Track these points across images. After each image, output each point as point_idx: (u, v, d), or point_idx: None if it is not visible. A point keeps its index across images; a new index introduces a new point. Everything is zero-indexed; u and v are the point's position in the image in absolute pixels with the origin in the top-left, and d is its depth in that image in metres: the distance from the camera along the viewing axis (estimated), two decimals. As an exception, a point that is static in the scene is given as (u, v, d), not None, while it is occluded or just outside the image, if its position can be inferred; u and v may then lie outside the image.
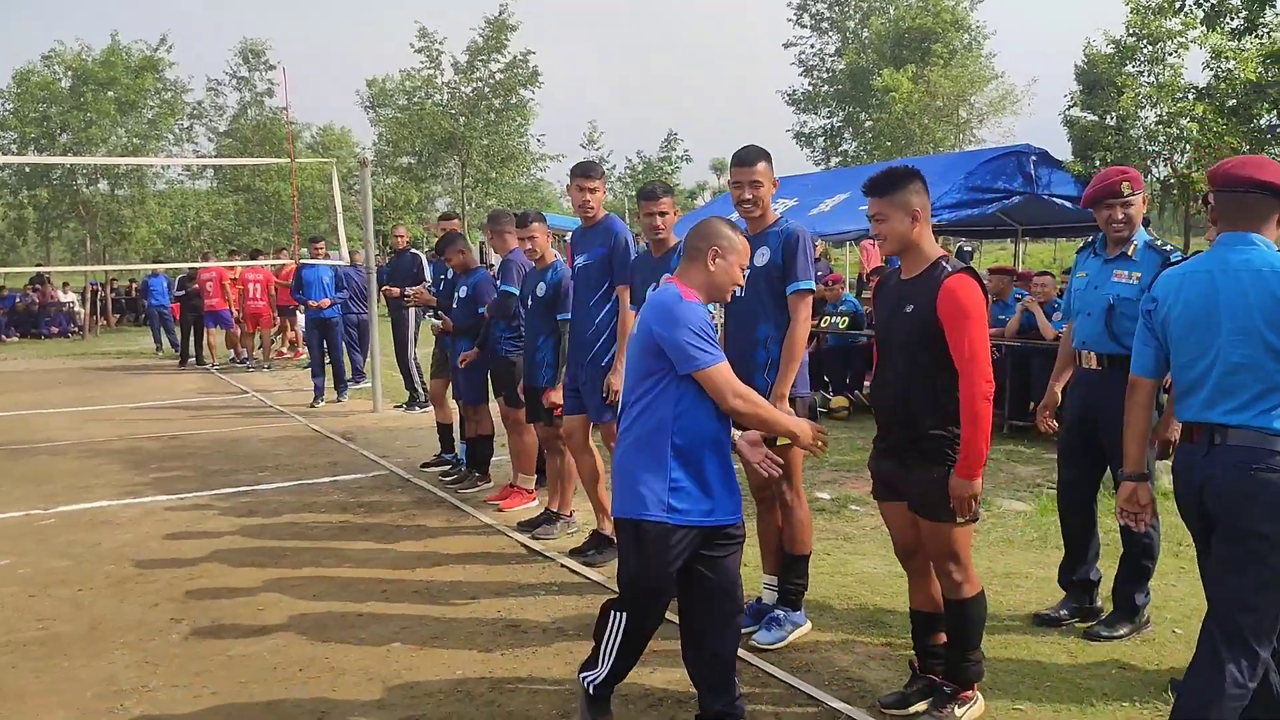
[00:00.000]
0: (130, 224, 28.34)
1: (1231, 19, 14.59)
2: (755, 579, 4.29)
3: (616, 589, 4.73)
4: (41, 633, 4.44)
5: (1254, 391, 2.75)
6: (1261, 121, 14.94)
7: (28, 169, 26.73)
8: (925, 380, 3.17)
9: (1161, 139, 17.57)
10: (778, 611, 4.16)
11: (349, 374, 12.27)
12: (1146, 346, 3.07)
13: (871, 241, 14.14)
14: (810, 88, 39.79)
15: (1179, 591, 4.61)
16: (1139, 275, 4.03)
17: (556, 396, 5.58)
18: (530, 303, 5.78)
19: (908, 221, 3.20)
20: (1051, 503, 5.26)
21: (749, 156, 4.07)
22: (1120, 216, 4.08)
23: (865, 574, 4.95)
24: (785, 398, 3.91)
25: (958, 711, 3.31)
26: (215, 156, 32.75)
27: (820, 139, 39.24)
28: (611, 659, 3.18)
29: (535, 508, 6.25)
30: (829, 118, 39.24)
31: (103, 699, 3.75)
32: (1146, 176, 16.56)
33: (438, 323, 7.39)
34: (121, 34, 27.39)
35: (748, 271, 3.75)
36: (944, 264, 3.20)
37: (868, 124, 35.51)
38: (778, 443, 3.58)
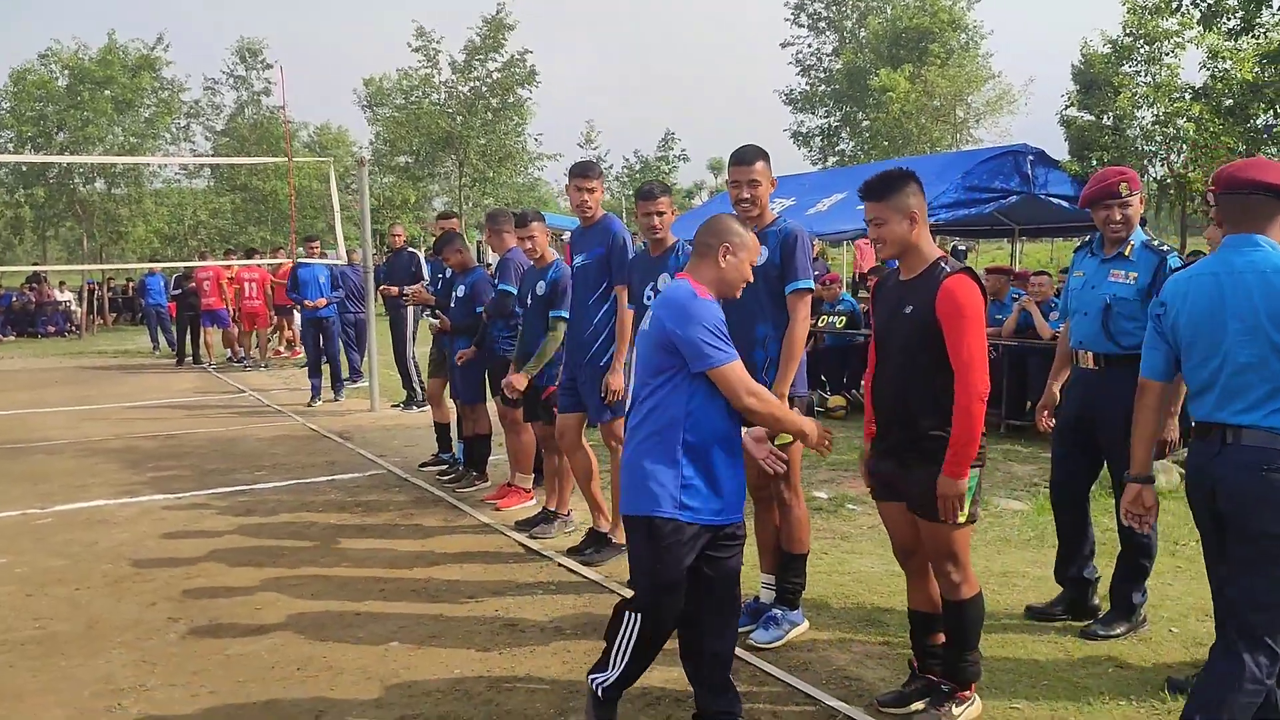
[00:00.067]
0: (127, 223, 28.28)
1: (1228, 19, 14.60)
2: (753, 578, 4.29)
3: (613, 588, 4.76)
4: (39, 632, 4.44)
5: (1262, 391, 2.78)
6: (1258, 121, 14.92)
7: (24, 168, 26.70)
8: (924, 380, 3.17)
9: (1158, 139, 17.57)
10: (775, 610, 4.16)
11: (346, 373, 12.26)
12: (1155, 350, 3.09)
13: (866, 241, 14.18)
14: (807, 87, 39.76)
15: (1175, 590, 4.62)
16: (1136, 275, 4.04)
17: (519, 382, 5.63)
18: (530, 302, 5.79)
19: (906, 224, 3.21)
20: (1048, 502, 5.27)
21: (747, 156, 4.07)
22: (1118, 217, 4.08)
23: (862, 573, 4.95)
24: (785, 397, 3.91)
25: (955, 710, 3.32)
26: (212, 156, 32.72)
27: (817, 139, 39.21)
28: (624, 661, 3.13)
29: (533, 507, 6.26)
30: (826, 117, 39.21)
31: (100, 698, 3.74)
32: (1143, 176, 16.57)
33: (436, 322, 7.39)
34: (118, 33, 27.41)
35: None
36: (943, 265, 3.20)
37: (865, 124, 35.52)
38: (777, 440, 3.59)
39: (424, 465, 7.73)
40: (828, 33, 39.79)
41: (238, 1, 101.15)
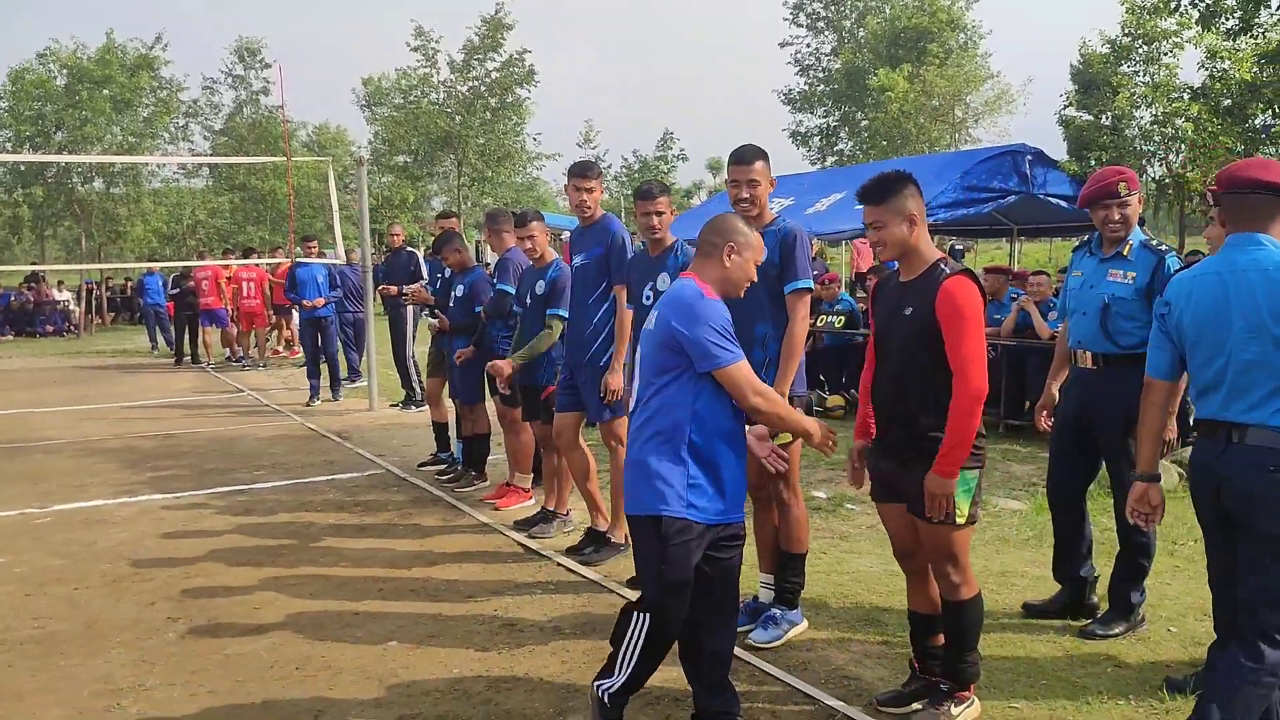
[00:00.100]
0: (125, 222, 28.29)
1: (1226, 19, 14.62)
2: (752, 577, 4.29)
3: (612, 587, 4.76)
4: (37, 631, 4.43)
5: (1268, 389, 2.79)
6: (1256, 121, 14.94)
7: (23, 167, 26.70)
8: (924, 381, 3.18)
9: (1157, 139, 17.59)
10: (774, 610, 4.16)
11: (344, 373, 12.26)
12: (1161, 349, 3.11)
13: (864, 240, 14.18)
14: (806, 87, 39.81)
15: (1174, 590, 4.62)
16: (1134, 275, 4.04)
17: (506, 367, 5.67)
18: (529, 301, 5.79)
19: (905, 227, 3.21)
20: (1047, 501, 5.27)
21: (746, 155, 4.07)
22: (1117, 217, 4.09)
23: (861, 572, 4.96)
24: (785, 396, 3.91)
25: (954, 710, 3.32)
26: (210, 155, 32.70)
27: (816, 138, 39.25)
28: (631, 665, 3.10)
29: (532, 506, 6.26)
30: (825, 117, 39.25)
31: (99, 697, 3.74)
32: (1142, 176, 16.58)
33: (435, 321, 7.39)
34: (117, 32, 27.40)
35: None
36: (942, 266, 3.21)
37: (864, 123, 35.57)
38: (777, 439, 3.59)
39: (423, 465, 7.73)
40: (826, 32, 39.84)
41: (236, 1, 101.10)
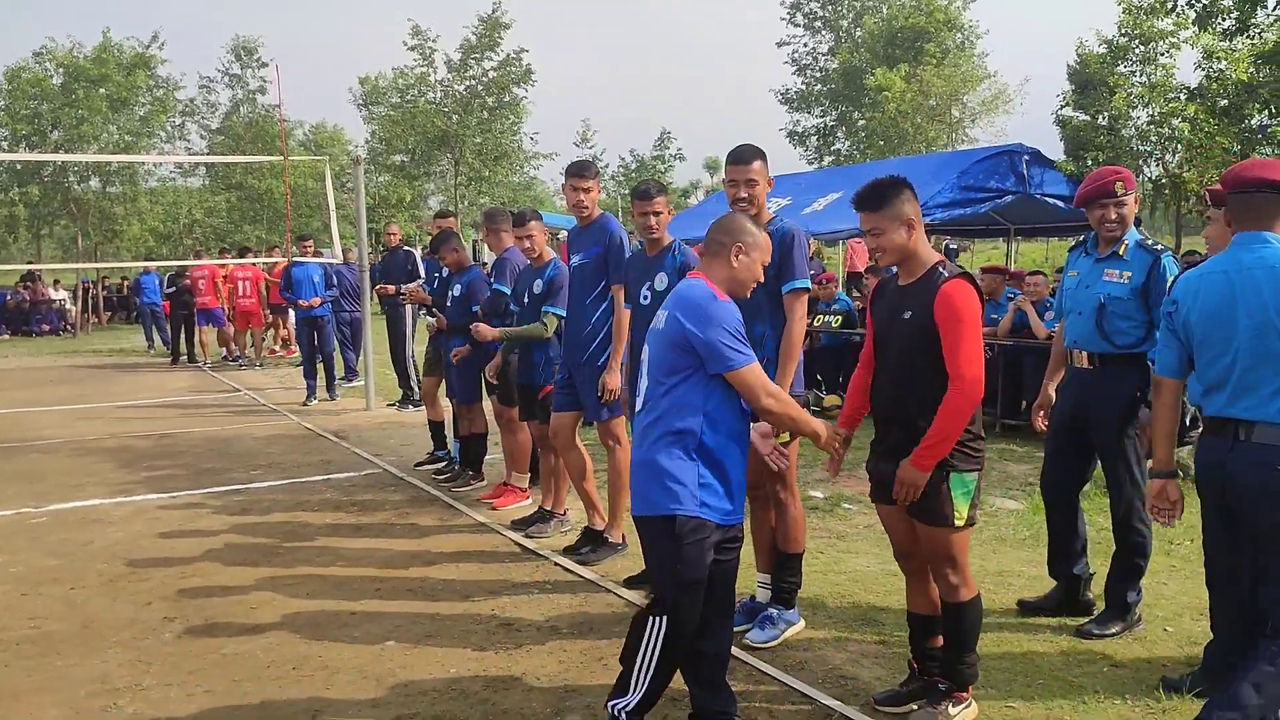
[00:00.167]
0: (122, 221, 28.25)
1: (1223, 19, 14.63)
2: (749, 577, 4.30)
3: (609, 587, 4.76)
4: (34, 631, 4.43)
5: (1274, 386, 2.81)
6: (1253, 122, 14.98)
7: (19, 166, 26.64)
8: (923, 383, 3.18)
9: (1153, 139, 17.64)
10: (771, 610, 4.16)
11: (341, 372, 12.25)
12: (1168, 348, 3.13)
13: (858, 240, 14.19)
14: (803, 87, 39.81)
15: (1170, 590, 4.63)
16: (1130, 274, 4.05)
17: (489, 332, 5.74)
18: (526, 300, 5.78)
19: (904, 232, 3.21)
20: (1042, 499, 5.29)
21: (744, 155, 4.07)
22: (1113, 216, 4.10)
23: (858, 572, 4.96)
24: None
25: (951, 710, 3.32)
26: (207, 154, 32.65)
27: (813, 138, 39.25)
28: (649, 676, 3.04)
29: (529, 506, 6.25)
30: (822, 117, 39.25)
31: (96, 697, 3.74)
32: (1138, 176, 16.61)
33: (432, 321, 7.39)
34: (113, 31, 27.35)
35: None
36: (941, 269, 3.21)
37: (861, 123, 35.56)
38: (778, 438, 3.59)
39: (419, 464, 7.72)
40: (824, 32, 39.85)
41: (233, 0, 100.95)
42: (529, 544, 5.56)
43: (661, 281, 4.52)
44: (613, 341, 5.02)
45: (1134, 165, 17.14)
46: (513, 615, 4.49)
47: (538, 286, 5.69)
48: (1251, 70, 14.42)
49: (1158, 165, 17.56)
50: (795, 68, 40.03)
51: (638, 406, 3.26)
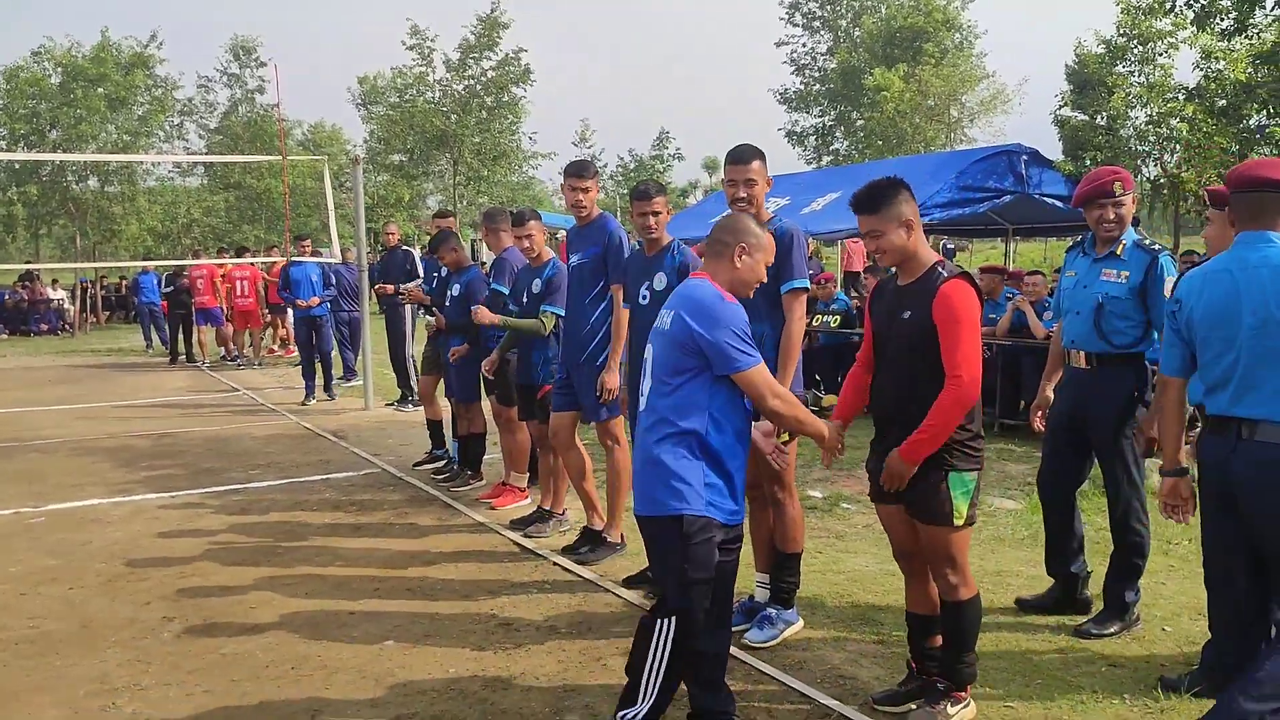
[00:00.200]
0: (120, 221, 28.19)
1: (1221, 20, 14.66)
2: (747, 577, 4.30)
3: (608, 586, 4.76)
4: (32, 631, 4.43)
5: (1277, 384, 2.81)
6: (1251, 122, 15.00)
7: (17, 165, 26.60)
8: (923, 384, 3.18)
9: (1151, 139, 17.66)
10: (770, 609, 4.17)
11: (340, 372, 12.24)
12: (1173, 348, 3.14)
13: (855, 240, 14.20)
14: (802, 86, 39.84)
15: (1169, 590, 4.63)
16: (1128, 274, 4.05)
17: (487, 315, 5.75)
18: (525, 300, 5.79)
19: (903, 233, 3.22)
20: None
21: (743, 155, 4.07)
22: (1111, 216, 4.10)
23: (857, 572, 4.96)
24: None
25: (950, 710, 3.32)
26: (206, 153, 32.62)
27: (812, 138, 39.28)
28: (658, 682, 2.99)
29: (528, 506, 6.26)
30: (820, 116, 39.28)
31: (95, 697, 3.74)
32: (1136, 176, 16.61)
33: (432, 320, 7.39)
34: (112, 30, 27.33)
35: None
36: (940, 270, 3.22)
37: (859, 123, 35.60)
38: (778, 437, 3.60)
39: (418, 464, 7.72)
40: (822, 32, 39.87)
41: (233, 0, 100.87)
42: (528, 544, 5.56)
43: (660, 281, 4.53)
44: (611, 341, 5.02)
45: (1132, 165, 17.16)
46: (512, 615, 4.49)
47: (536, 286, 5.69)
48: (1250, 70, 14.44)
49: (1156, 165, 17.58)
50: (794, 68, 40.07)
51: (640, 406, 3.25)
